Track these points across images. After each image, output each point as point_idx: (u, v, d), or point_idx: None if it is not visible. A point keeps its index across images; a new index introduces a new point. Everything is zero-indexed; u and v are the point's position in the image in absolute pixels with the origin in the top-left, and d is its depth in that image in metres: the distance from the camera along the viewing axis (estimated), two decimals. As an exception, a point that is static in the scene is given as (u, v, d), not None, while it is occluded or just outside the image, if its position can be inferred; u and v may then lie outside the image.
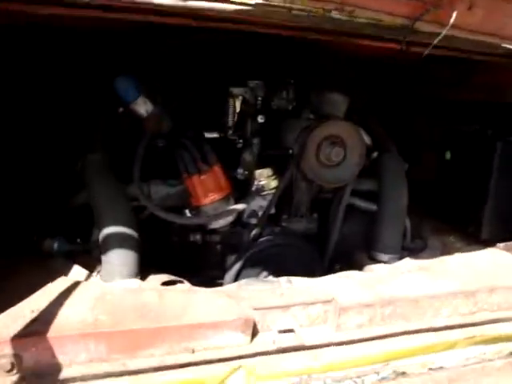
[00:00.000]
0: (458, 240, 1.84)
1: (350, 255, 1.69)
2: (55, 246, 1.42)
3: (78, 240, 1.46)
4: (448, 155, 1.92)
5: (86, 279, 1.30)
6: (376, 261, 1.62)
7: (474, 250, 1.73)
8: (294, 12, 0.98)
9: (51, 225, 1.53)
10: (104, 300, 1.16)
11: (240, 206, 1.45)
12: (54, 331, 1.03)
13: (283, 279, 1.34)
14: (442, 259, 1.62)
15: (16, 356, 0.99)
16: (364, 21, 1.02)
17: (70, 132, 1.61)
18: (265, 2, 0.95)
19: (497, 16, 1.14)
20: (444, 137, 1.97)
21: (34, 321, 1.06)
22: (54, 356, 1.02)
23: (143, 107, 1.47)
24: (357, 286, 1.36)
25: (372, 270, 1.56)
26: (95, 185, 1.38)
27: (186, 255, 1.59)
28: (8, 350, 0.98)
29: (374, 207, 1.70)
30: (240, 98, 1.47)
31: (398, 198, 1.68)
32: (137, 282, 1.32)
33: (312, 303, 1.26)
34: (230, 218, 1.48)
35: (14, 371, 0.99)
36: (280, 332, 1.21)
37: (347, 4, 0.99)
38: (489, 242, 1.78)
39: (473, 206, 1.81)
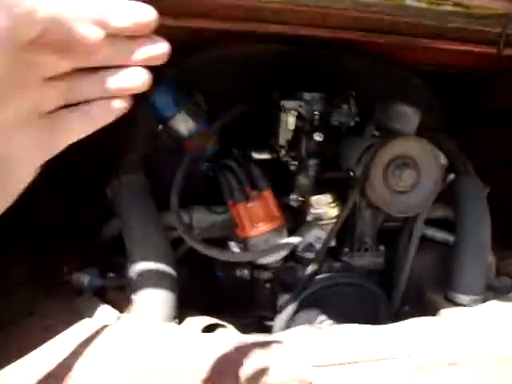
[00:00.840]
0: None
1: (422, 296, 1.44)
2: (85, 280, 1.26)
3: (111, 275, 1.29)
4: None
5: (115, 321, 1.13)
6: (454, 303, 1.37)
7: None
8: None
9: (83, 255, 1.39)
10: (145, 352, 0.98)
11: (295, 240, 1.24)
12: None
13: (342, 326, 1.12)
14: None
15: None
16: (450, 8, 0.80)
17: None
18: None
19: None
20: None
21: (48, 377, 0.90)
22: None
23: (184, 125, 1.30)
24: (435, 338, 1.12)
25: (451, 314, 1.31)
26: (128, 212, 1.21)
27: (231, 293, 1.40)
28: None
29: (451, 238, 1.45)
30: (294, 112, 1.27)
31: (480, 227, 1.43)
32: (173, 326, 1.13)
33: (379, 360, 1.03)
34: (283, 253, 1.27)
35: None
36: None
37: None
38: None
39: None
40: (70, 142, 0.44)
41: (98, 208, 1.39)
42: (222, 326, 1.17)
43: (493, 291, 1.47)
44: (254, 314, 1.38)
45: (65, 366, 0.91)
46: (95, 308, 1.16)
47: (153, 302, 1.11)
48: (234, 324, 1.22)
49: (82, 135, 0.44)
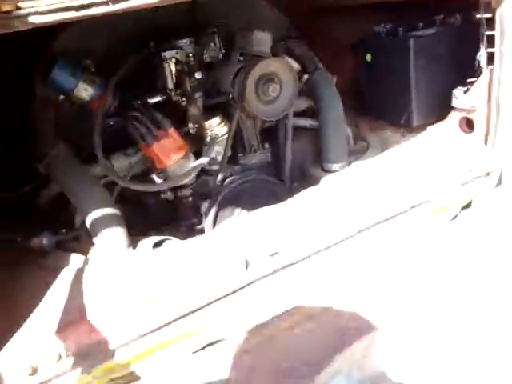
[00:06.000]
0: (394, 133, 2.06)
1: (305, 172, 1.88)
2: (44, 241, 1.52)
3: (63, 230, 1.56)
4: (369, 57, 2.08)
5: (86, 263, 1.43)
6: (329, 171, 1.82)
7: (407, 138, 1.97)
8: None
9: (26, 223, 1.61)
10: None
11: (203, 160, 1.58)
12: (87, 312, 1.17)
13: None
14: (383, 154, 1.85)
15: (61, 346, 1.14)
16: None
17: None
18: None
19: None
20: (361, 39, 2.12)
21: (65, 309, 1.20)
22: (92, 338, 1.17)
23: (84, 92, 1.53)
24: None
25: (327, 181, 1.76)
26: (66, 177, 1.47)
27: (162, 214, 1.73)
28: (53, 342, 1.13)
29: (316, 123, 1.87)
30: (173, 59, 1.55)
31: (334, 110, 1.86)
32: (132, 252, 1.46)
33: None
34: (195, 172, 1.61)
35: (62, 359, 1.15)
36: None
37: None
38: (419, 127, 2.02)
39: (400, 99, 2.00)
40: None
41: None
42: (168, 239, 1.52)
43: (354, 155, 1.94)
44: (185, 224, 1.74)
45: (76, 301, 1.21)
46: (65, 258, 1.44)
47: (113, 237, 1.41)
48: (172, 236, 1.57)
49: None
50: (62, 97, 1.57)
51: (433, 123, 2.00)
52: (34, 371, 1.10)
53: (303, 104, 1.91)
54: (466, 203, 1.85)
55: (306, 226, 1.47)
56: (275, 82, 1.60)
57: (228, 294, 1.33)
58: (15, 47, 1.38)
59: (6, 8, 0.92)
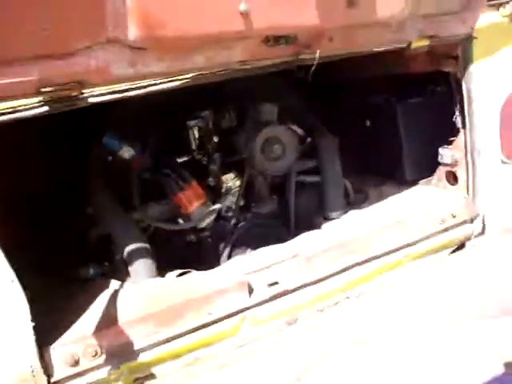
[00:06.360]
0: (391, 186, 2.36)
1: (310, 221, 2.20)
2: (91, 271, 1.89)
3: (106, 263, 1.93)
4: (368, 123, 2.44)
5: (122, 286, 1.78)
6: (328, 219, 2.14)
7: (401, 190, 2.27)
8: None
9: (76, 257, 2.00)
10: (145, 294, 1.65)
11: (217, 206, 1.95)
12: (119, 321, 1.51)
13: (261, 250, 1.85)
14: (379, 204, 2.15)
15: (97, 345, 1.46)
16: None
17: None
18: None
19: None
20: (362, 108, 2.48)
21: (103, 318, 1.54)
22: (122, 339, 1.50)
23: (127, 153, 1.95)
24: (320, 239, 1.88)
25: (328, 227, 2.07)
26: (111, 219, 1.86)
27: (186, 254, 2.08)
28: (92, 341, 1.45)
29: (318, 179, 2.21)
30: (196, 127, 1.96)
31: (334, 166, 2.20)
32: (159, 279, 1.80)
33: (286, 260, 1.77)
34: (213, 217, 1.97)
35: (98, 355, 1.47)
36: (269, 285, 1.71)
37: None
38: (413, 182, 2.32)
39: (395, 158, 2.33)
40: None
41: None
42: (189, 271, 1.85)
43: (353, 205, 2.26)
44: (205, 263, 2.07)
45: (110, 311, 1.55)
46: (106, 283, 1.80)
47: (143, 267, 1.77)
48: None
49: None
50: (110, 158, 2.00)
51: (425, 177, 2.30)
52: (76, 363, 1.41)
53: (309, 163, 2.26)
54: (453, 246, 2.11)
55: (302, 261, 1.78)
56: (278, 144, 1.98)
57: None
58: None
59: (74, 94, 1.32)
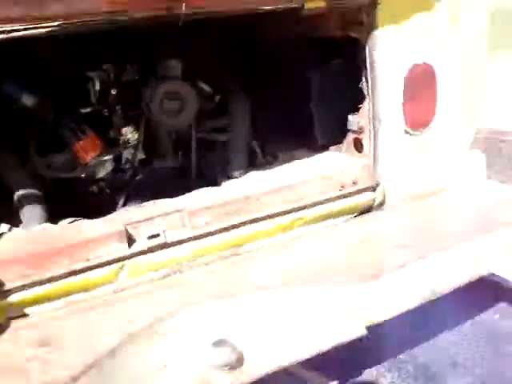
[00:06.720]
0: (303, 151, 2.38)
1: (214, 178, 2.24)
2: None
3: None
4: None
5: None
6: (230, 178, 2.18)
7: (311, 155, 2.30)
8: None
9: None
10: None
11: (110, 157, 2.00)
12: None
13: (149, 202, 1.89)
14: (283, 166, 2.19)
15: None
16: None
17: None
18: None
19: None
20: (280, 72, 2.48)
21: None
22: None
23: (29, 101, 1.97)
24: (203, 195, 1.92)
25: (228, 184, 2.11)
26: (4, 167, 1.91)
27: (86, 204, 2.13)
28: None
29: (224, 138, 2.25)
30: (98, 79, 1.98)
31: (241, 126, 2.23)
32: (45, 224, 1.86)
33: (170, 213, 1.82)
34: (109, 168, 2.02)
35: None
36: (149, 238, 1.77)
37: None
38: (325, 148, 2.35)
39: (308, 122, 2.35)
40: None
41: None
42: (80, 219, 1.91)
43: (259, 166, 2.29)
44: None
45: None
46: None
47: (32, 212, 1.83)
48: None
49: None
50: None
51: (337, 144, 2.34)
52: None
53: (220, 122, 2.29)
54: (354, 213, 2.15)
55: (185, 216, 1.82)
56: (178, 99, 2.00)
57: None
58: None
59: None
